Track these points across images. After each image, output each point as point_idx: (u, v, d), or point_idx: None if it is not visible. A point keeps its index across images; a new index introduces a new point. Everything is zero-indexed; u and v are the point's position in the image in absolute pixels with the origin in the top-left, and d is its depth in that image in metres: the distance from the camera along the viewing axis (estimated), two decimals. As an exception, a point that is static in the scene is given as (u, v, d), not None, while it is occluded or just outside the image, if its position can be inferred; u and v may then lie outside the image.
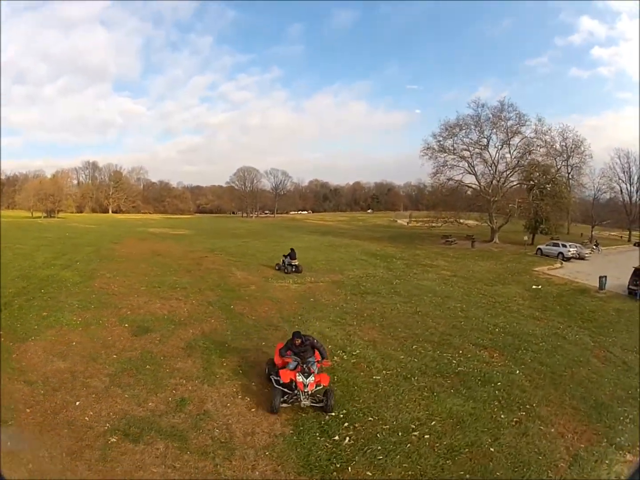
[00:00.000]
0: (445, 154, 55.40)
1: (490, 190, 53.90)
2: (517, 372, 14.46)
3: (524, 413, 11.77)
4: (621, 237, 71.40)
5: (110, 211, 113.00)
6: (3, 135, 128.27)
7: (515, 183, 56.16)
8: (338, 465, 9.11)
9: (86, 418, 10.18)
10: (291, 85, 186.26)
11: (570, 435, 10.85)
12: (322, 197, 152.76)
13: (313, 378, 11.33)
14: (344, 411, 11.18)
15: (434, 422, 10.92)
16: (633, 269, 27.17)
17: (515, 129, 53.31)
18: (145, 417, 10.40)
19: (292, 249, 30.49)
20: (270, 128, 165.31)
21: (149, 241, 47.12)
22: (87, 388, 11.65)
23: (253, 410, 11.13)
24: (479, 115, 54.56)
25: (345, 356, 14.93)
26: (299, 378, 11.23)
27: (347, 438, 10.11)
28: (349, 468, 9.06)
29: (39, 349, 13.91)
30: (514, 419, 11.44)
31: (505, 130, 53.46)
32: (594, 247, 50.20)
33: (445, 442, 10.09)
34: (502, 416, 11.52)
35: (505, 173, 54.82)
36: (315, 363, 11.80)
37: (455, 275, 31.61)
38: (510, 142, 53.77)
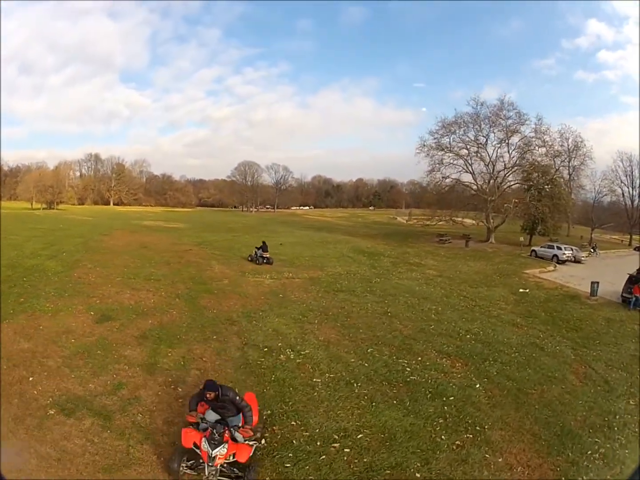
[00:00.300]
0: (442, 152, 53.31)
1: (487, 190, 51.81)
2: (477, 386, 12.68)
3: (470, 436, 10.03)
4: (622, 241, 68.47)
5: (111, 203, 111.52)
6: (8, 126, 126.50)
7: (513, 183, 54.03)
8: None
9: (35, 391, 11.08)
10: (298, 80, 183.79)
11: (520, 468, 9.01)
12: (324, 193, 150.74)
13: (225, 449, 8.15)
14: (269, 412, 10.65)
15: (361, 435, 9.89)
16: (628, 275, 24.85)
17: (514, 127, 51.24)
18: (82, 396, 11.05)
19: (263, 242, 30.92)
20: (275, 123, 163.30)
21: (139, 234, 46.31)
22: (42, 366, 12.40)
23: (180, 401, 11.02)
24: (477, 113, 52.38)
25: (292, 355, 14.19)
26: (204, 446, 8.15)
27: (262, 440, 9.50)
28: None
29: (10, 330, 14.73)
30: (456, 442, 9.76)
31: (504, 128, 51.37)
32: (592, 250, 47.85)
33: (365, 459, 9.09)
34: (443, 437, 9.92)
35: (502, 172, 52.71)
36: (238, 427, 8.65)
37: (440, 275, 29.81)
38: (509, 141, 51.77)
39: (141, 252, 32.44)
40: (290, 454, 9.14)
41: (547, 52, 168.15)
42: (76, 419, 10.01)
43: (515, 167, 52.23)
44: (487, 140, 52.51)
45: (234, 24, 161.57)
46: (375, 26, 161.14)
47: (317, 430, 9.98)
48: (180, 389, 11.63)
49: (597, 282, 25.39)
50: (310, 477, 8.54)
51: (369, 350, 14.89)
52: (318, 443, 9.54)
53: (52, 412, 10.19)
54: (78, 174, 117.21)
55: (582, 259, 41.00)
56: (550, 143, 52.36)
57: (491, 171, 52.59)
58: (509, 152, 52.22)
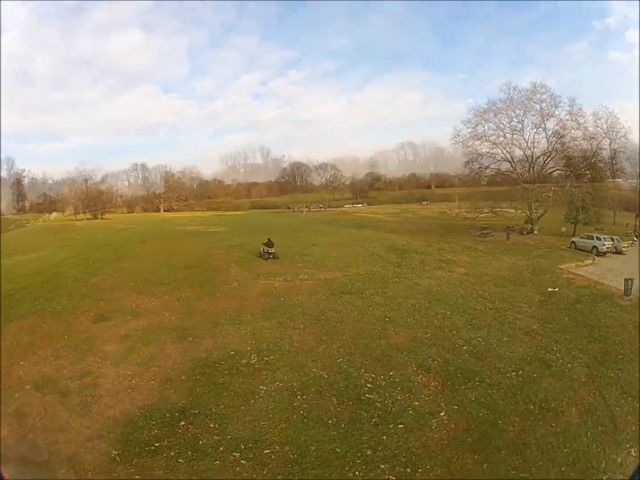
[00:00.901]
0: (478, 142, 48.63)
1: (527, 178, 47.14)
2: (442, 414, 10.49)
3: (393, 478, 8.29)
4: (674, 225, 60.28)
5: (161, 210, 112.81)
6: (51, 141, 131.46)
7: (553, 170, 48.62)
8: (143, 453, 9.56)
9: (21, 372, 13.49)
10: (342, 78, 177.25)
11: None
12: (376, 190, 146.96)
13: None
14: (196, 411, 11.07)
15: (268, 451, 9.37)
16: None
17: (548, 111, 46.26)
18: (54, 378, 13.09)
19: (269, 239, 31.66)
20: (322, 122, 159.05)
21: (175, 239, 45.03)
22: (34, 355, 14.70)
23: (129, 390, 12.29)
24: (511, 98, 47.51)
25: (254, 360, 13.93)
26: None
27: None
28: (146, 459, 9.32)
29: (17, 328, 17.13)
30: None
31: (538, 112, 46.55)
32: (635, 238, 41.68)
33: (255, 476, 8.75)
34: (357, 473, 8.47)
35: (541, 159, 47.71)
36: None
37: (467, 273, 26.30)
38: (546, 126, 46.68)
39: (167, 257, 32.09)
40: (189, 452, 9.42)
41: (579, 35, 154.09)
42: (42, 393, 12.25)
43: (553, 153, 47.11)
44: (522, 126, 47.72)
45: (271, 26, 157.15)
46: (410, 18, 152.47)
47: (229, 437, 9.93)
48: (134, 381, 12.80)
49: (632, 279, 20.90)
50: (193, 477, 8.72)
51: (338, 360, 13.67)
52: (221, 449, 9.55)
53: (27, 387, 12.60)
54: (126, 183, 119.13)
55: (624, 249, 35.52)
56: (584, 125, 46.61)
57: (530, 158, 47.77)
58: (546, 137, 47.14)
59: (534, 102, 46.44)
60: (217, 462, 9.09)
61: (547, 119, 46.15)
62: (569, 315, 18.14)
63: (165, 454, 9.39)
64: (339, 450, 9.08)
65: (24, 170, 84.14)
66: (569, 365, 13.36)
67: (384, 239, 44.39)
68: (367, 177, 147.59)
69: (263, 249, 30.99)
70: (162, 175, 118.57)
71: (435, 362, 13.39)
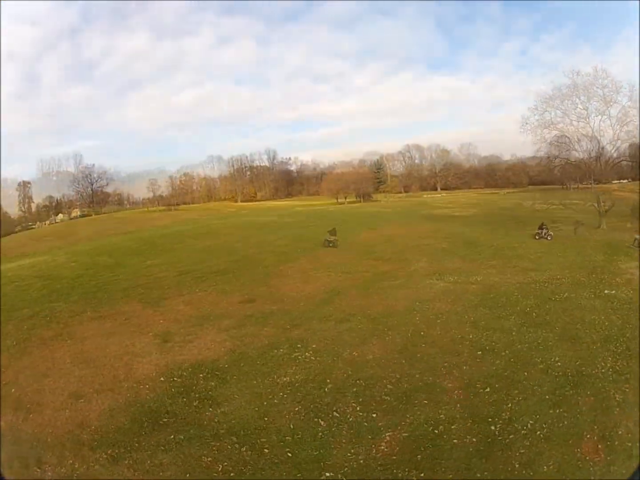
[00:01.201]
0: (546, 130, 44.80)
1: (595, 169, 43.31)
2: (453, 427, 9.73)
3: None
4: None
5: (239, 201, 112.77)
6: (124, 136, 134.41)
7: (619, 160, 44.46)
8: (150, 426, 10.18)
9: (65, 348, 15.01)
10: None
11: None
12: (455, 178, 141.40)
13: None
14: (212, 393, 11.47)
15: (263, 440, 9.52)
16: None
17: (610, 97, 41.92)
18: (94, 356, 14.32)
19: (333, 228, 32.76)
20: (399, 109, 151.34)
21: (244, 230, 43.16)
22: (79, 334, 16.24)
23: (157, 371, 13.03)
24: (575, 84, 43.46)
25: (285, 352, 13.97)
26: None
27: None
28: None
29: (69, 312, 19.05)
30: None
31: (601, 98, 42.29)
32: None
33: (235, 459, 9.01)
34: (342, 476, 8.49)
35: (607, 147, 43.33)
36: None
37: (531, 269, 24.17)
38: (610, 113, 42.29)
39: (230, 248, 32.60)
40: (191, 430, 9.82)
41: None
42: (78, 368, 13.40)
43: (619, 142, 42.68)
44: (587, 112, 43.50)
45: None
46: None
47: (233, 422, 10.08)
48: (163, 363, 13.58)
49: None
50: (183, 456, 9.01)
51: (369, 357, 13.29)
52: (222, 431, 9.74)
53: (68, 362, 13.98)
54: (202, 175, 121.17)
55: None
56: (644, 111, 42.06)
57: (597, 148, 43.57)
58: (611, 125, 42.69)
59: (597, 88, 42.69)
60: (213, 442, 9.40)
61: (610, 106, 42.36)
62: (619, 324, 15.82)
63: (169, 429, 9.95)
64: (334, 452, 8.99)
65: (93, 165, 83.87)
66: (605, 384, 11.57)
67: (454, 230, 41.86)
68: (446, 165, 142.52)
69: (327, 236, 32.11)
70: (242, 166, 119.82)
71: (469, 367, 12.47)
